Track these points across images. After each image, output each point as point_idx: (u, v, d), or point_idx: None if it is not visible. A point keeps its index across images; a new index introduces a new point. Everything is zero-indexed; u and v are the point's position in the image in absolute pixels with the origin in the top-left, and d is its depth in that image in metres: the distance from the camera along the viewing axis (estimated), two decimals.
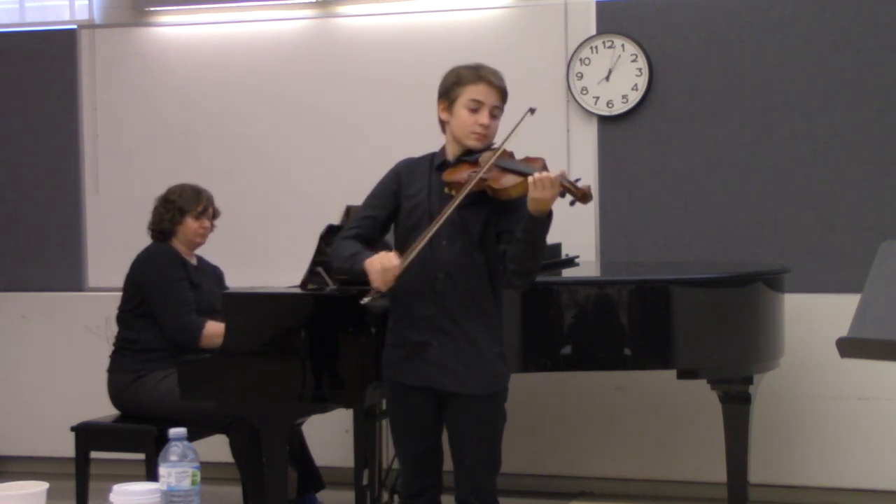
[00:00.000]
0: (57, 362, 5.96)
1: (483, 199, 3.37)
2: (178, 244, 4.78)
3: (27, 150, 6.07)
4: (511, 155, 3.41)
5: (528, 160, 3.39)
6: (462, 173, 3.37)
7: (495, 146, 3.43)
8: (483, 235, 3.40)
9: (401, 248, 3.43)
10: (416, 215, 3.44)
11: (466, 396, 3.42)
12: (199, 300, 4.67)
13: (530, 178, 3.20)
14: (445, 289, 3.40)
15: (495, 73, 3.46)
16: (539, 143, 5.25)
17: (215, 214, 4.86)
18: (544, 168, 3.32)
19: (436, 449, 3.53)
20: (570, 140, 5.36)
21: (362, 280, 3.40)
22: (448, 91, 3.45)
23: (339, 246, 3.50)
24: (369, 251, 3.40)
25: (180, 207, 4.74)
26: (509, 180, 3.30)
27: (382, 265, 3.29)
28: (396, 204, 3.49)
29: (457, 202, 3.31)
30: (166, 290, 4.62)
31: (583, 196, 3.25)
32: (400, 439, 3.55)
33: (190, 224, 4.75)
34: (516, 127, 3.39)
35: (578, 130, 5.36)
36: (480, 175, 3.31)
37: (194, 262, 4.84)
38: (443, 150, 3.51)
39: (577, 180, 3.26)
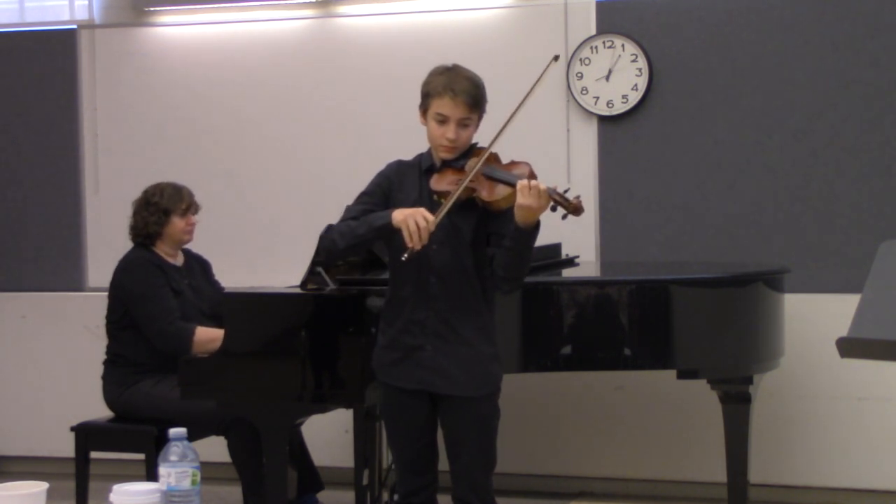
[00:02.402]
0: (57, 362, 5.96)
1: (473, 203, 3.38)
2: (163, 246, 4.74)
3: (27, 150, 6.07)
4: (497, 159, 3.40)
5: (513, 165, 3.38)
6: (447, 179, 3.37)
7: (480, 146, 3.43)
8: (474, 239, 3.42)
9: (392, 252, 3.44)
10: None
11: (461, 398, 3.43)
12: (183, 306, 4.65)
13: (518, 184, 3.20)
14: (438, 292, 3.41)
15: (465, 83, 3.39)
16: (539, 144, 5.31)
17: (197, 209, 4.83)
18: (532, 174, 3.31)
19: (430, 448, 3.54)
20: (570, 140, 5.36)
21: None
22: (422, 100, 3.45)
23: (339, 227, 3.43)
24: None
25: (165, 208, 4.70)
26: (499, 192, 3.30)
27: (417, 223, 3.22)
28: (387, 204, 3.46)
29: (451, 201, 3.29)
30: (150, 300, 4.58)
31: (574, 209, 3.22)
32: (394, 440, 3.57)
33: (177, 223, 4.72)
34: (542, 76, 3.38)
35: (578, 130, 5.36)
36: (465, 185, 3.30)
37: (180, 260, 4.81)
38: (429, 152, 3.51)
39: (566, 191, 3.24)
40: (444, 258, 3.41)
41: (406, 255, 3.26)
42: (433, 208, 3.34)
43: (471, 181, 3.32)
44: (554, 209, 3.24)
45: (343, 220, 3.50)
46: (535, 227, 3.26)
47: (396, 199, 3.47)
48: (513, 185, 3.23)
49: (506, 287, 3.44)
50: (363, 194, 3.54)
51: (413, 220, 3.23)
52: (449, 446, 3.50)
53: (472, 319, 3.44)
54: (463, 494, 3.48)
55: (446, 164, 3.43)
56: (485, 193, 3.32)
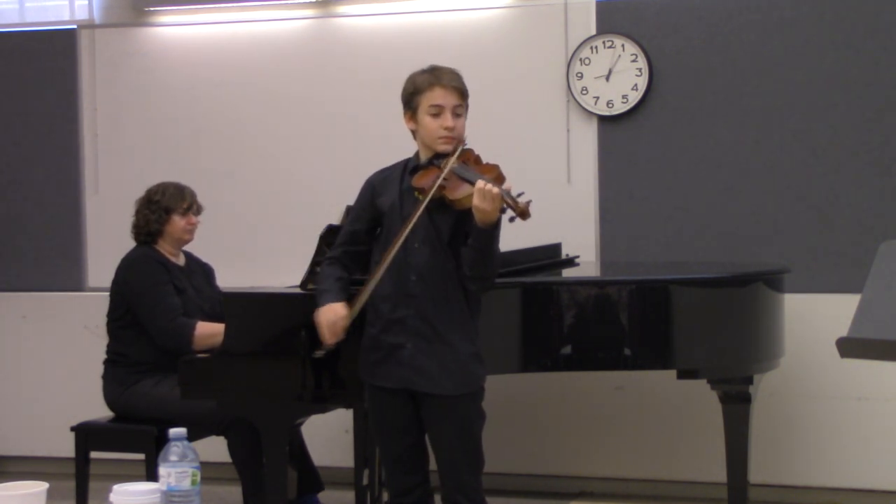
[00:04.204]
0: (57, 362, 5.96)
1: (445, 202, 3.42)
2: (164, 245, 4.76)
3: (27, 150, 6.07)
4: (476, 158, 3.44)
5: (485, 167, 3.41)
6: (429, 177, 3.41)
7: (466, 146, 3.46)
8: (453, 238, 3.45)
9: (379, 251, 3.52)
10: (390, 219, 3.51)
11: (442, 397, 3.45)
12: (185, 304, 4.65)
13: (476, 184, 3.25)
14: (418, 291, 3.45)
15: (450, 74, 3.49)
16: (539, 144, 5.31)
17: (199, 210, 4.85)
18: (499, 175, 3.35)
19: (418, 448, 3.56)
20: (570, 140, 5.36)
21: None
22: (408, 101, 3.51)
23: (322, 271, 3.68)
24: (337, 287, 3.58)
25: (166, 207, 4.72)
26: (462, 191, 3.34)
27: (328, 320, 3.51)
28: (375, 213, 3.57)
29: (415, 218, 3.38)
30: (152, 297, 4.59)
31: (521, 213, 3.25)
32: (381, 440, 3.61)
33: (177, 222, 4.73)
34: (436, 182, 3.38)
35: (578, 130, 5.36)
36: (439, 182, 3.36)
37: (182, 261, 4.82)
38: (416, 155, 3.56)
39: (519, 195, 3.27)
40: (424, 257, 3.45)
41: (318, 352, 3.63)
42: (413, 205, 3.43)
43: (445, 179, 3.37)
44: (503, 211, 3.27)
45: (335, 246, 3.69)
46: (494, 226, 3.32)
47: (379, 203, 3.57)
48: (473, 184, 3.28)
49: (474, 286, 3.47)
50: (352, 211, 3.69)
51: (325, 318, 3.52)
52: (433, 446, 3.53)
53: (453, 319, 3.47)
54: (451, 494, 3.49)
55: (430, 163, 3.47)
56: (450, 192, 3.37)
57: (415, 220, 3.38)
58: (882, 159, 5.06)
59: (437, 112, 3.44)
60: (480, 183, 3.24)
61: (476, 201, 3.24)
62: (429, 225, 3.44)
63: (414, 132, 3.53)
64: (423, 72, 3.50)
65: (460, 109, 3.47)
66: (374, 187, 3.59)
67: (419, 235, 3.44)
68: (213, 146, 5.82)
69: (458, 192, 3.34)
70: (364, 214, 3.60)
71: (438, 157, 3.45)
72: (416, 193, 3.43)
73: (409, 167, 3.54)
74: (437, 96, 3.43)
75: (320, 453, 4.95)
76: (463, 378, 3.47)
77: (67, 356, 5.91)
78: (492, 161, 3.44)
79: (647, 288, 4.15)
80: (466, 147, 3.45)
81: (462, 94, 3.47)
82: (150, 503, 2.52)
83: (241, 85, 5.79)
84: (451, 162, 3.38)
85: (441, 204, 3.40)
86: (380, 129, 5.50)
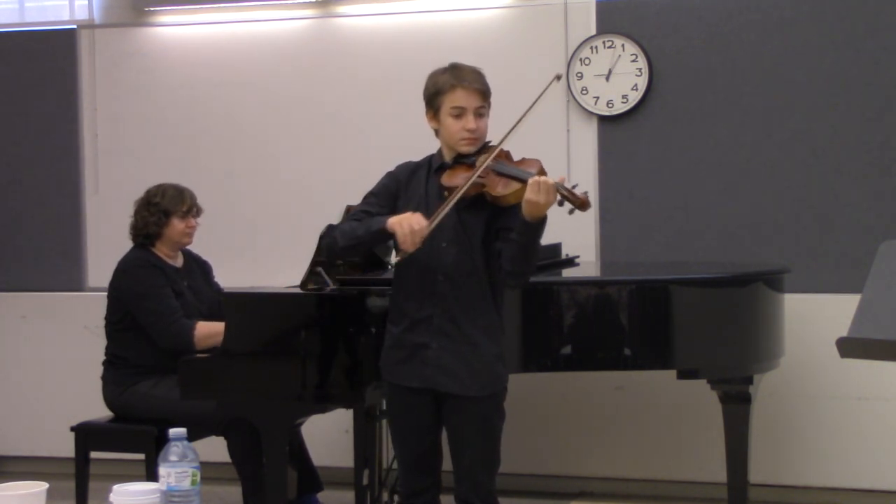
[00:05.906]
0: (57, 362, 5.96)
1: (482, 201, 3.39)
2: (162, 247, 4.74)
3: (27, 150, 6.07)
4: (508, 156, 3.42)
5: (524, 162, 3.39)
6: (459, 176, 3.38)
7: (492, 144, 3.44)
8: (484, 237, 3.42)
9: (397, 253, 3.45)
10: None
11: (466, 398, 3.43)
12: (182, 308, 4.63)
13: (530, 180, 3.20)
14: (445, 291, 3.42)
15: (472, 74, 3.45)
16: (539, 143, 5.28)
17: (199, 212, 4.83)
18: (542, 171, 3.32)
19: (434, 449, 3.54)
20: (570, 140, 5.36)
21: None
22: (430, 101, 3.47)
23: (342, 227, 3.52)
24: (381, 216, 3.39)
25: (165, 209, 4.69)
26: (508, 187, 3.31)
27: (411, 226, 3.28)
28: (394, 206, 3.49)
29: (458, 194, 3.31)
30: (151, 301, 4.57)
31: (581, 204, 3.24)
32: (399, 439, 3.57)
33: (176, 225, 4.71)
34: (542, 93, 3.38)
35: (578, 130, 5.36)
36: (474, 179, 3.32)
37: (179, 262, 4.81)
38: (440, 152, 3.52)
39: (574, 186, 3.25)
40: (451, 256, 3.42)
41: (397, 258, 3.33)
42: (441, 205, 3.36)
43: (480, 177, 3.34)
44: (561, 204, 3.25)
45: (347, 219, 3.55)
46: (542, 220, 3.27)
47: (403, 198, 3.50)
48: (522, 181, 3.26)
49: (512, 282, 3.46)
50: (370, 194, 3.57)
51: (407, 224, 3.27)
52: (452, 446, 3.51)
53: (479, 319, 3.45)
54: (465, 495, 3.48)
55: (458, 162, 3.44)
56: (493, 189, 3.33)
57: (446, 211, 3.31)
58: (882, 159, 5.06)
59: (460, 113, 3.41)
60: (535, 177, 3.20)
61: (530, 195, 3.18)
62: (457, 224, 3.41)
63: (436, 131, 3.50)
64: (445, 71, 3.46)
65: (483, 110, 3.44)
66: (400, 181, 3.52)
67: (447, 235, 3.40)
68: (213, 146, 5.82)
69: (503, 188, 3.31)
70: (384, 202, 3.50)
71: (466, 156, 3.43)
72: (445, 193, 3.39)
73: (434, 167, 3.50)
74: (459, 98, 3.40)
75: (320, 453, 4.95)
76: (488, 379, 3.46)
77: (67, 356, 5.91)
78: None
79: (647, 288, 4.15)
80: (492, 144, 3.43)
81: (484, 94, 3.43)
82: (150, 503, 2.52)
83: (240, 85, 5.79)
84: (488, 160, 3.34)
85: (471, 203, 3.37)
86: (380, 128, 5.50)
